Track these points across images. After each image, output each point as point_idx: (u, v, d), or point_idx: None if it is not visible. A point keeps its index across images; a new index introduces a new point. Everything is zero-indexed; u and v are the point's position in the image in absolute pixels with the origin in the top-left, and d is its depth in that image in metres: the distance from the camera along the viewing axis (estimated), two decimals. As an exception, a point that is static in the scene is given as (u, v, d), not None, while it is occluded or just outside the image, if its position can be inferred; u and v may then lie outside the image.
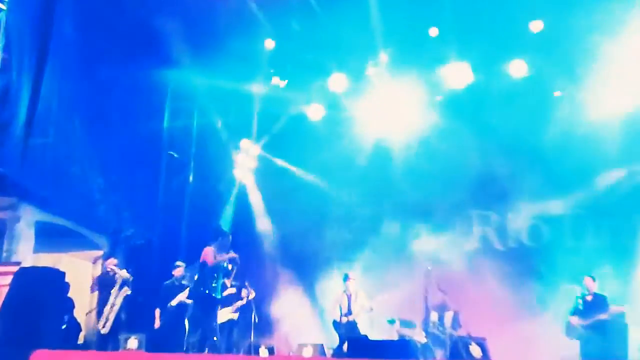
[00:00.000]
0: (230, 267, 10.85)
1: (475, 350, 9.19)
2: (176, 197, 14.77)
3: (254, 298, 12.13)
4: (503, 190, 13.54)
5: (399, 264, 13.36)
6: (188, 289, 11.52)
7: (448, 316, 11.92)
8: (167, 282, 11.71)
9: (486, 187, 13.58)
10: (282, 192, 14.62)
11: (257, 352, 11.30)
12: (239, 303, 12.02)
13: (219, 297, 10.14)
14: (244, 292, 12.11)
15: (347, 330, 11.50)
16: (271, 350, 11.48)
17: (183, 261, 12.05)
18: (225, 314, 11.62)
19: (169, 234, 14.25)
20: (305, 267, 14.37)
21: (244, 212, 15.14)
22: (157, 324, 11.41)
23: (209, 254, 9.93)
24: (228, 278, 11.65)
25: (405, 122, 13.89)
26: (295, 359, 10.93)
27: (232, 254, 10.14)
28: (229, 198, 15.18)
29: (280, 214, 14.91)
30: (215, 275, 9.99)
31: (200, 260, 10.05)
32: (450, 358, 10.01)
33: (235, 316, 12.03)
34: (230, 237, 10.31)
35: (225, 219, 14.74)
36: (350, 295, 11.78)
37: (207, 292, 9.84)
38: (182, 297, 11.43)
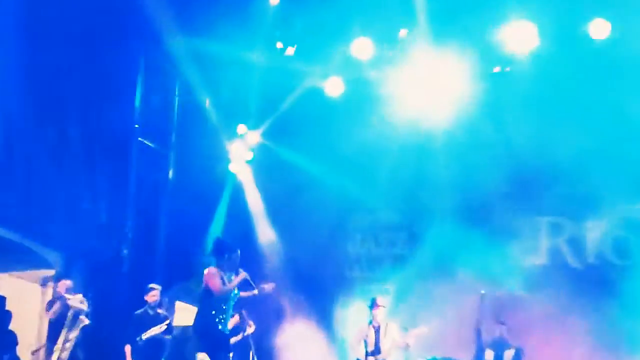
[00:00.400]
0: (236, 290, 10.63)
1: (542, 399, 9.27)
2: (151, 199, 14.76)
3: (252, 332, 12.05)
4: (580, 189, 13.09)
5: (442, 286, 13.15)
6: (168, 321, 11.55)
7: (508, 355, 11.80)
8: (139, 311, 11.64)
9: (557, 185, 13.23)
10: (289, 192, 14.58)
11: (256, 403, 11.35)
12: (234, 339, 11.73)
13: (227, 332, 10.08)
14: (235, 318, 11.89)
15: (375, 374, 11.42)
16: (275, 401, 11.52)
17: (159, 284, 11.99)
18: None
19: (142, 247, 14.24)
20: (320, 289, 14.37)
21: (240, 217, 15.11)
22: (128, 364, 11.58)
23: (214, 277, 9.65)
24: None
25: (450, 100, 13.50)
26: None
27: (243, 274, 9.89)
28: (220, 200, 15.22)
29: (286, 220, 14.92)
30: (224, 306, 9.82)
31: (203, 285, 9.84)
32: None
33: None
34: (239, 253, 10.09)
35: (215, 227, 14.74)
36: (379, 327, 11.58)
37: (213, 326, 9.69)
38: (157, 330, 11.38)
